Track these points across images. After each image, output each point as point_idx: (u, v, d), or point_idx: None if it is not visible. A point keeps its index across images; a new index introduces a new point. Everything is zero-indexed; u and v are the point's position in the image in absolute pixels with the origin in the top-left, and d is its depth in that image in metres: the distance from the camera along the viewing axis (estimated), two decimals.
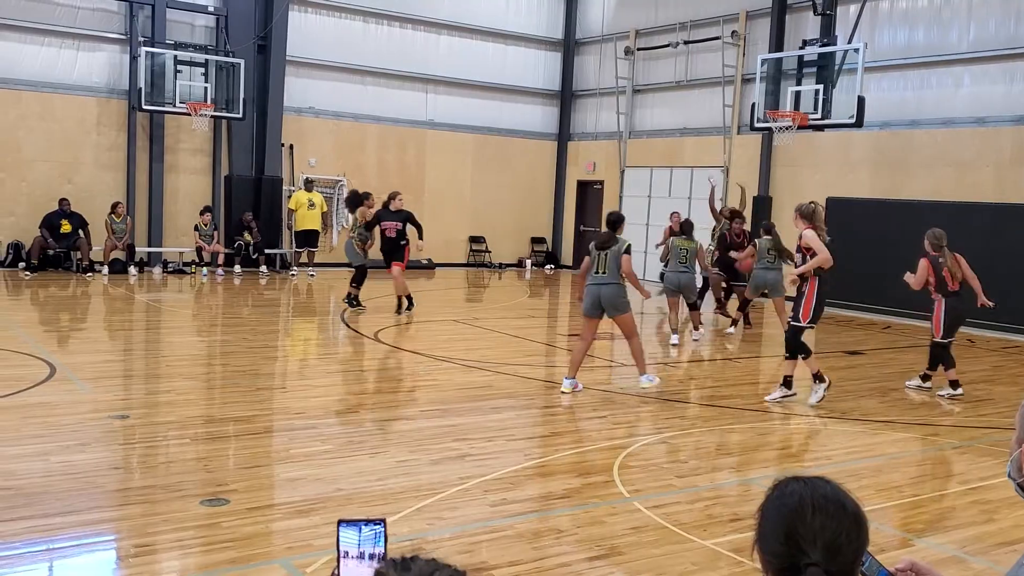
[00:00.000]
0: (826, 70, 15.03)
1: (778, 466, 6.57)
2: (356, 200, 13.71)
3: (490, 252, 21.95)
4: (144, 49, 17.00)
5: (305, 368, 10.04)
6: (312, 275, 18.05)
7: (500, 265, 21.84)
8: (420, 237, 13.53)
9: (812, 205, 8.30)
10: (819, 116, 14.89)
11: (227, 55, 17.89)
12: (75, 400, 7.42)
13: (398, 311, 13.21)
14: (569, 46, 22.63)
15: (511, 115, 22.11)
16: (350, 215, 15.20)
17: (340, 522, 1.73)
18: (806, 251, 8.18)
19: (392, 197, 13.36)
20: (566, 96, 22.76)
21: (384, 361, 10.22)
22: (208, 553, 4.46)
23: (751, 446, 7.18)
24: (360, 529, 1.72)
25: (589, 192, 22.43)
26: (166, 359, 9.87)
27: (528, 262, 22.22)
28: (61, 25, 16.87)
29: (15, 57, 16.55)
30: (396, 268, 13.09)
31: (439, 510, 5.12)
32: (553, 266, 22.32)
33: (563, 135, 22.85)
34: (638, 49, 20.71)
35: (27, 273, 15.94)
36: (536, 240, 22.72)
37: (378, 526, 1.73)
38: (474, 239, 21.83)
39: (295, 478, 5.62)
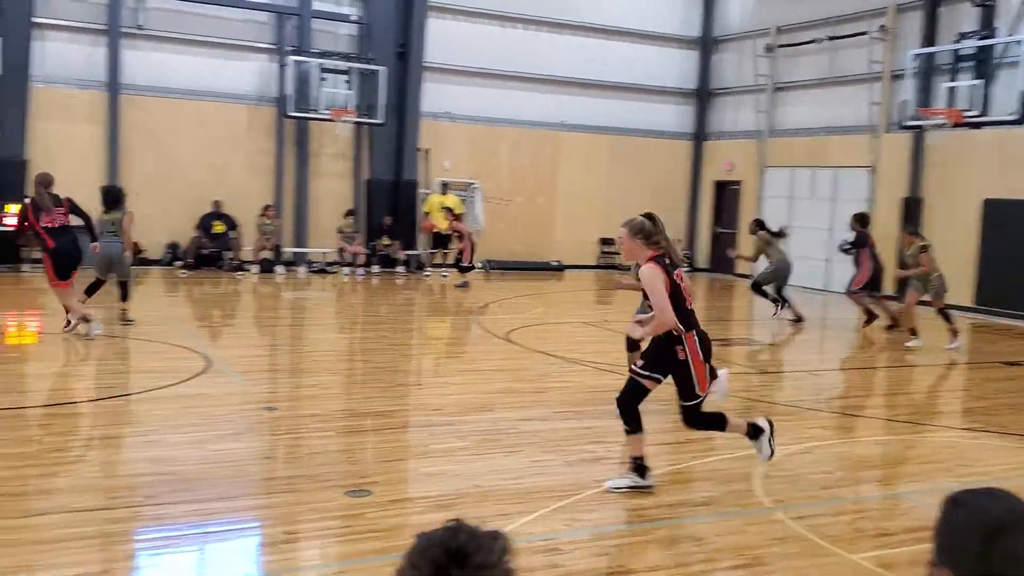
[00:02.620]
0: (985, 64, 14.20)
1: (931, 481, 6.24)
2: None
3: (621, 254, 21.78)
4: (291, 58, 17.74)
5: (440, 366, 10.24)
6: (445, 276, 18.38)
7: (633, 267, 21.62)
8: None
9: (641, 220, 5.39)
10: (976, 113, 14.08)
11: (368, 62, 18.45)
12: (228, 392, 7.81)
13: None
14: (707, 44, 22.23)
15: (645, 115, 21.89)
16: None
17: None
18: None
19: None
20: (703, 95, 22.36)
21: (516, 361, 10.29)
22: (352, 543, 4.60)
23: (898, 459, 6.85)
24: None
25: (726, 193, 21.96)
26: (311, 354, 10.26)
27: None
28: (215, 37, 17.80)
29: (174, 67, 17.56)
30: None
31: (575, 512, 5.12)
32: (687, 267, 21.93)
33: (700, 135, 22.45)
34: (780, 46, 20.13)
35: (183, 271, 16.89)
36: None
37: None
38: (605, 241, 21.73)
39: (434, 473, 5.73)
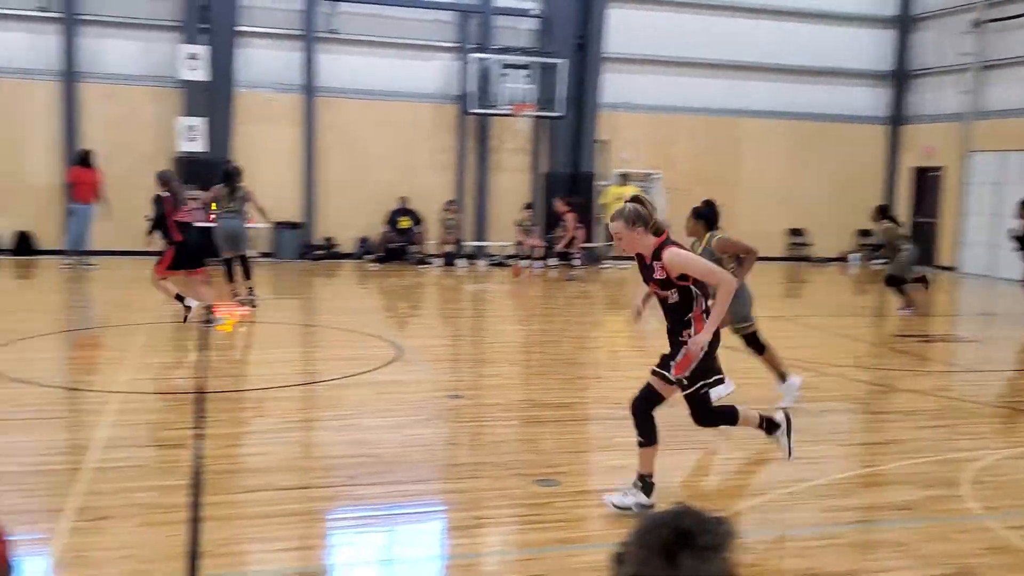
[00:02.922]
0: None
1: None
2: None
3: (810, 245, 20.93)
4: (473, 55, 18.16)
5: (620, 359, 10.19)
6: (623, 268, 18.30)
7: (825, 260, 20.75)
8: None
9: (634, 207, 4.76)
10: None
11: (548, 56, 18.60)
12: (418, 379, 8.11)
13: None
14: (905, 22, 20.94)
15: (833, 99, 20.88)
16: None
17: None
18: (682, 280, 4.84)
19: None
20: (900, 76, 21.09)
21: None
22: (540, 531, 4.66)
23: None
24: None
25: (926, 180, 20.63)
26: (492, 345, 10.49)
27: (854, 257, 20.91)
28: (402, 38, 18.48)
29: (365, 69, 18.37)
30: None
31: (767, 511, 4.97)
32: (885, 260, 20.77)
33: (896, 118, 21.19)
34: (987, 21, 18.68)
35: (373, 264, 17.68)
36: (862, 232, 21.28)
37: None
38: (793, 231, 20.94)
39: (620, 466, 5.70)
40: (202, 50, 16.59)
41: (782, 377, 7.31)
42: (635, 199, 4.78)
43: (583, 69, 18.90)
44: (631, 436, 6.35)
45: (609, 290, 16.34)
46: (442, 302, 14.73)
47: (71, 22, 16.55)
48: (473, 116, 18.61)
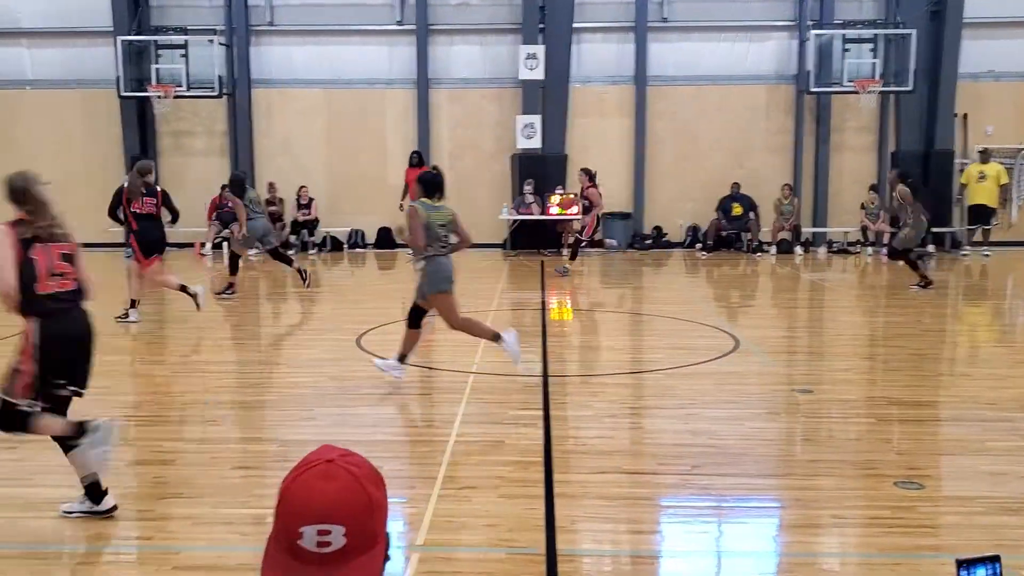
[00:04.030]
0: None
1: None
2: None
3: None
4: (812, 32, 17.25)
5: (986, 356, 9.15)
6: (987, 255, 16.46)
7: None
8: None
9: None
10: None
11: (896, 27, 17.19)
12: (759, 371, 7.86)
13: None
14: None
15: None
16: None
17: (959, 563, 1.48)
18: None
19: None
20: None
21: None
22: (903, 535, 4.31)
23: None
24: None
25: None
26: (838, 337, 9.87)
27: None
28: (734, 20, 18.01)
29: (698, 55, 18.16)
30: None
31: None
32: None
33: None
34: None
35: (703, 253, 17.44)
36: None
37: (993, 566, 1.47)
38: None
39: (996, 472, 5.12)
40: (539, 50, 17.34)
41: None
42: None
43: (939, 37, 17.24)
44: (1007, 441, 5.69)
45: (968, 280, 14.78)
46: (778, 291, 14.17)
47: (423, 33, 18.06)
48: (811, 95, 17.70)
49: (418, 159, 16.72)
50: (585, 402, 6.93)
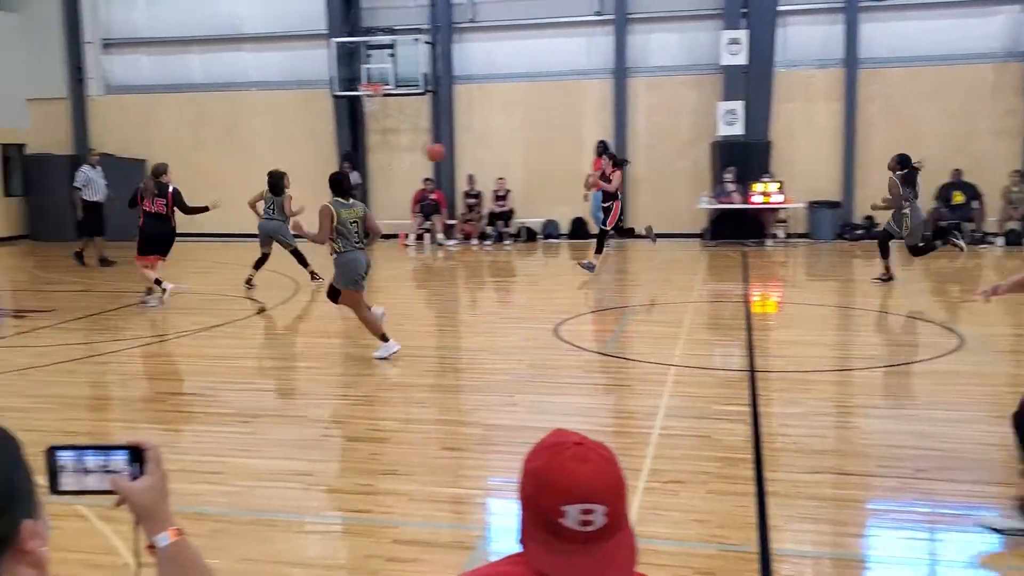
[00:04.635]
0: None
1: None
2: None
3: None
4: None
5: None
6: None
7: None
8: None
9: None
10: None
11: None
12: (988, 372, 7.26)
13: None
14: None
15: None
16: None
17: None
18: None
19: None
20: None
21: None
22: None
23: None
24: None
25: None
26: None
27: None
28: None
29: (914, 35, 17.00)
30: None
31: None
32: None
33: None
34: None
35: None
36: None
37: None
38: None
39: None
40: (742, 34, 16.81)
41: None
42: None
43: None
44: None
45: None
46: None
47: (622, 22, 17.93)
48: None
49: (602, 148, 16.60)
50: (794, 399, 6.64)
